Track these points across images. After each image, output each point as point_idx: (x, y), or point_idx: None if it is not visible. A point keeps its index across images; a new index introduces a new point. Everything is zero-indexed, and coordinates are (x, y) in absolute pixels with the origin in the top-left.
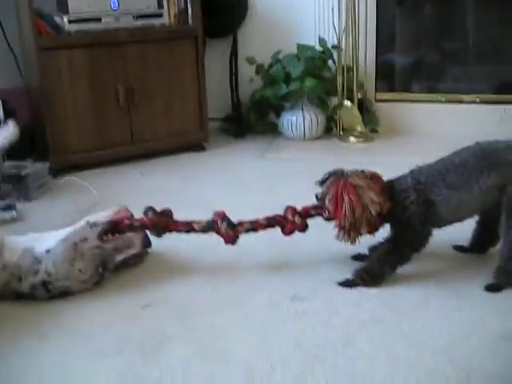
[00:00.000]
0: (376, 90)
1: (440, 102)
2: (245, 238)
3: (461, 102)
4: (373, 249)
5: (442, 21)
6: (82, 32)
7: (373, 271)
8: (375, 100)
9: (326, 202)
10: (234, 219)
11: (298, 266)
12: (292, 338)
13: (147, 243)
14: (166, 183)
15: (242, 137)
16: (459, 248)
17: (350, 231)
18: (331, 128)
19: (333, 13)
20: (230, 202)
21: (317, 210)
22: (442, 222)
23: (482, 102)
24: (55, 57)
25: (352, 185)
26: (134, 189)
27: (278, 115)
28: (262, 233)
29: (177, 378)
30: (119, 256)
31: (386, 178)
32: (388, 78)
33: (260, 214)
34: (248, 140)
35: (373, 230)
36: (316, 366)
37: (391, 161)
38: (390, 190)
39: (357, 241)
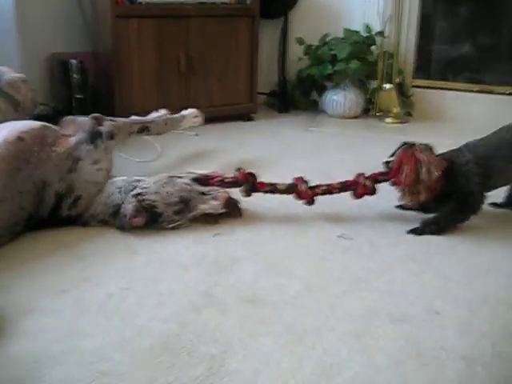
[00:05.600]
0: (414, 77)
1: (472, 91)
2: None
3: (491, 92)
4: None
5: (480, 16)
6: (152, 3)
7: (440, 224)
8: (412, 85)
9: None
10: (284, 179)
11: (345, 216)
12: (340, 264)
13: (230, 205)
14: (220, 145)
15: (286, 111)
16: (494, 205)
17: (408, 194)
18: (369, 109)
19: (379, 2)
20: (279, 164)
21: (384, 176)
22: (494, 188)
23: None
24: (127, 24)
25: (415, 158)
26: (191, 147)
27: (321, 94)
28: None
29: (248, 287)
30: (202, 205)
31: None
32: (425, 66)
33: (307, 178)
34: (291, 115)
35: (431, 196)
36: (361, 285)
37: (422, 140)
38: (451, 165)
39: (417, 203)
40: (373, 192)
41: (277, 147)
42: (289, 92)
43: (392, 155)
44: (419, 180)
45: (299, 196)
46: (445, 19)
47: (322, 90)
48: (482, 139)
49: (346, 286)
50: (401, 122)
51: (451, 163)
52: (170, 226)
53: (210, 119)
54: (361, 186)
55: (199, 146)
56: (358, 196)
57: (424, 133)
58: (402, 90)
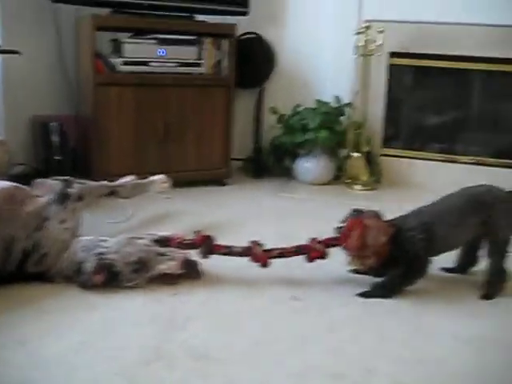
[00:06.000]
0: (382, 146)
1: (438, 160)
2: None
3: (456, 161)
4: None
5: (445, 89)
6: (132, 73)
7: (388, 287)
8: (381, 154)
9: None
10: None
11: (299, 278)
12: (289, 324)
13: (188, 266)
14: (191, 208)
15: (260, 177)
16: (445, 269)
17: (356, 259)
18: (339, 176)
19: (348, 74)
20: (245, 228)
21: (335, 241)
22: (440, 253)
23: (475, 163)
24: (108, 92)
25: (363, 224)
26: (162, 210)
27: (294, 160)
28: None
29: (198, 344)
30: (160, 265)
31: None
32: (394, 135)
33: (272, 242)
34: (265, 180)
35: (379, 261)
36: (305, 344)
37: (388, 207)
38: (397, 231)
39: (366, 267)
40: (324, 256)
41: (246, 211)
42: (263, 158)
43: (343, 221)
44: (366, 245)
45: (254, 259)
46: (412, 90)
47: (294, 157)
48: (428, 205)
49: (290, 344)
50: (369, 189)
51: (398, 228)
52: (128, 284)
53: (185, 183)
54: (313, 250)
55: (170, 209)
56: (310, 260)
57: (390, 199)
58: (370, 159)
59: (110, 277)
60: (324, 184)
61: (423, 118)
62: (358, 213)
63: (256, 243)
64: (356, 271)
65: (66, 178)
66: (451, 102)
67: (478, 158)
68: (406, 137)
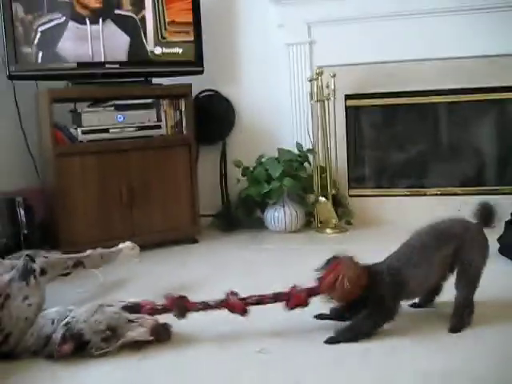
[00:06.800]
0: (349, 187)
1: (407, 195)
2: None
3: (424, 194)
4: (333, 310)
5: (406, 124)
6: (92, 141)
7: (354, 331)
8: (349, 195)
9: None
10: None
11: (269, 330)
12: (251, 380)
13: (158, 331)
14: (161, 269)
15: (232, 231)
16: (412, 305)
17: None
18: (310, 222)
19: (307, 122)
20: (218, 283)
21: (315, 291)
22: (412, 295)
23: (443, 194)
24: (69, 162)
25: (338, 272)
26: (134, 274)
27: (263, 211)
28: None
29: None
30: (130, 332)
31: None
32: (360, 175)
33: (245, 294)
34: (236, 234)
35: (349, 301)
36: None
37: (360, 248)
38: (369, 275)
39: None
40: (305, 304)
41: (217, 267)
42: (232, 212)
43: (320, 269)
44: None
45: (231, 308)
46: (375, 129)
47: (263, 207)
48: (399, 248)
49: None
50: (340, 232)
51: (370, 273)
52: (98, 353)
53: (153, 245)
54: (294, 298)
55: (140, 272)
56: (290, 307)
57: (361, 240)
58: (338, 201)
59: (78, 346)
60: (295, 231)
61: (388, 156)
62: (334, 259)
63: (231, 293)
64: (321, 316)
65: (28, 252)
66: (414, 137)
67: (446, 189)
68: (373, 175)
